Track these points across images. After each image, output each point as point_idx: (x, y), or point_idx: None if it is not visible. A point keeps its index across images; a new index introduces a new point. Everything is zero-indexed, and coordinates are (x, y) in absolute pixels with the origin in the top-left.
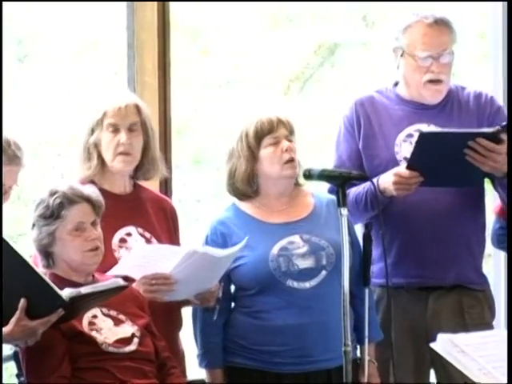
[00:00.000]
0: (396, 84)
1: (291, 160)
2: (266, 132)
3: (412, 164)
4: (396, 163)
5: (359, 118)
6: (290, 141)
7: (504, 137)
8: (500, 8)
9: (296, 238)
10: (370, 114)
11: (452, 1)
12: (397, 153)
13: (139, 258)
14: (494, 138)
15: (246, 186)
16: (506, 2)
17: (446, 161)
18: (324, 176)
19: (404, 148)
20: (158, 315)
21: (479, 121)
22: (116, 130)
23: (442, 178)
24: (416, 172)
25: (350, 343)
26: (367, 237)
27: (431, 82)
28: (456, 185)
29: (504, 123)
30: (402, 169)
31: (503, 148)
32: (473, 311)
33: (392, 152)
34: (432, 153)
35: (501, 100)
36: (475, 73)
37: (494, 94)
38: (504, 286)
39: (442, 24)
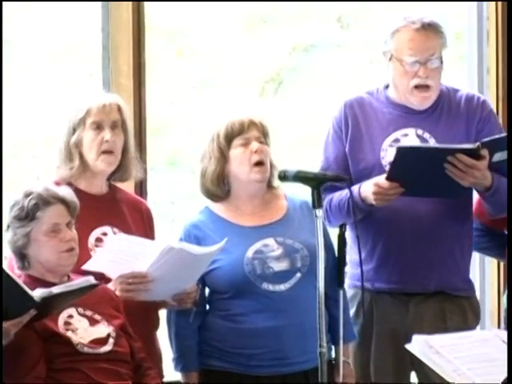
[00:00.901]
0: (387, 86)
1: (260, 163)
2: (236, 133)
3: (391, 176)
4: (381, 168)
5: (347, 120)
6: (261, 142)
7: (484, 153)
8: (475, 9)
9: (270, 241)
10: (359, 116)
11: (428, 1)
12: (382, 157)
13: (114, 252)
14: (473, 154)
15: (215, 186)
16: (494, 3)
17: (426, 174)
18: (299, 177)
19: (390, 153)
20: (135, 315)
21: (468, 125)
22: (99, 127)
23: (422, 190)
24: (396, 183)
25: (325, 344)
26: (341, 238)
27: (418, 87)
28: (438, 196)
29: (484, 140)
30: (381, 179)
31: (482, 164)
32: (455, 317)
33: (378, 156)
34: (411, 166)
35: None
36: (451, 74)
37: None
38: (478, 288)
39: (429, 29)
